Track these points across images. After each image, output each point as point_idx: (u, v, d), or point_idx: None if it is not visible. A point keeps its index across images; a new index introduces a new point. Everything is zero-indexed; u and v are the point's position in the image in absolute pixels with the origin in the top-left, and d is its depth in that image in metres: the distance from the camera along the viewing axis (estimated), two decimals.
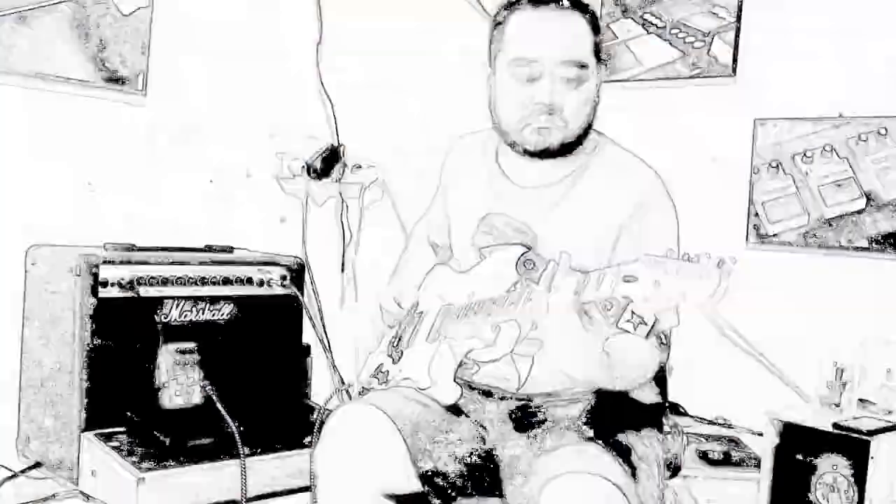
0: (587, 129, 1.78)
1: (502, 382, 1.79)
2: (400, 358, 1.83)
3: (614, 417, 1.74)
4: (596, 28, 1.77)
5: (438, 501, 1.70)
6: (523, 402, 1.78)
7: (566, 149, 1.77)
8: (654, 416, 1.82)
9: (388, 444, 1.67)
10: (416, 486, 1.68)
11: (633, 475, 1.62)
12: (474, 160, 1.92)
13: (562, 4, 1.75)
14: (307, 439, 2.22)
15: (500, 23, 1.79)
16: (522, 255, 1.70)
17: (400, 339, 1.86)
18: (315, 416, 2.08)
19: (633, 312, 1.62)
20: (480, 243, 1.81)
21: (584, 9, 1.76)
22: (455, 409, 1.78)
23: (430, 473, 1.69)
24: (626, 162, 1.81)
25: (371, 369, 1.88)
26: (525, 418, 1.77)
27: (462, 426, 1.77)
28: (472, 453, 1.74)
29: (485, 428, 1.78)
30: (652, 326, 1.62)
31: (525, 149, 1.77)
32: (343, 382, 2.87)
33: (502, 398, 1.80)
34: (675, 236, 1.74)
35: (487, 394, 1.82)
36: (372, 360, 1.91)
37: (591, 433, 1.68)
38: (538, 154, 1.77)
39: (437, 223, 2.02)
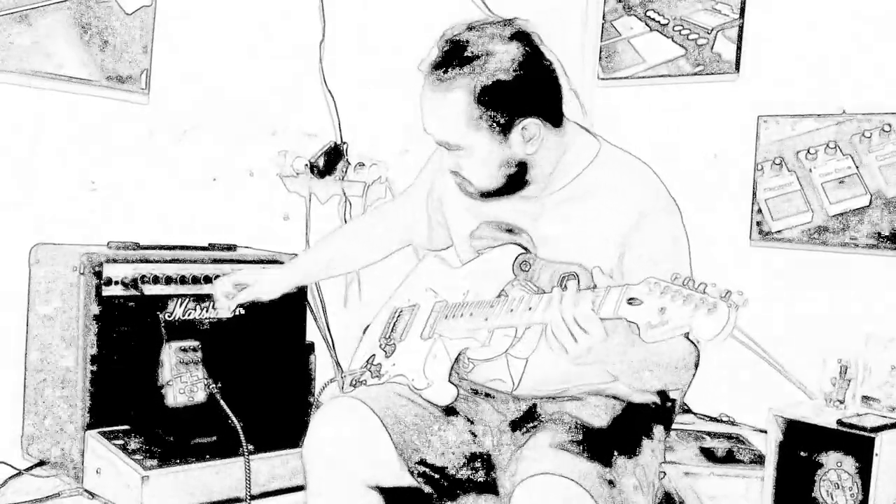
0: (519, 170, 1.68)
1: (497, 384, 1.78)
2: (393, 352, 1.83)
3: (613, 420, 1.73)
4: (492, 87, 1.59)
5: (433, 496, 1.70)
6: (526, 407, 1.78)
7: (501, 191, 1.70)
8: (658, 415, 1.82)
9: (373, 437, 1.67)
10: (405, 479, 1.68)
11: (614, 478, 1.59)
12: None
13: (440, 76, 1.62)
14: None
15: None
16: (519, 255, 1.70)
17: (393, 331, 1.86)
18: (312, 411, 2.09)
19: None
20: (477, 246, 1.80)
21: (471, 69, 1.60)
22: (446, 406, 1.78)
23: (424, 470, 1.69)
24: (627, 169, 1.74)
25: (362, 360, 1.88)
26: (523, 420, 1.77)
27: (452, 422, 1.76)
28: (464, 451, 1.73)
29: (473, 423, 1.77)
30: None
31: None
32: (341, 370, 2.86)
33: (496, 397, 1.80)
34: (682, 241, 1.69)
35: (486, 395, 1.82)
36: (361, 351, 1.91)
37: (579, 435, 1.64)
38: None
39: (411, 219, 2.02)
